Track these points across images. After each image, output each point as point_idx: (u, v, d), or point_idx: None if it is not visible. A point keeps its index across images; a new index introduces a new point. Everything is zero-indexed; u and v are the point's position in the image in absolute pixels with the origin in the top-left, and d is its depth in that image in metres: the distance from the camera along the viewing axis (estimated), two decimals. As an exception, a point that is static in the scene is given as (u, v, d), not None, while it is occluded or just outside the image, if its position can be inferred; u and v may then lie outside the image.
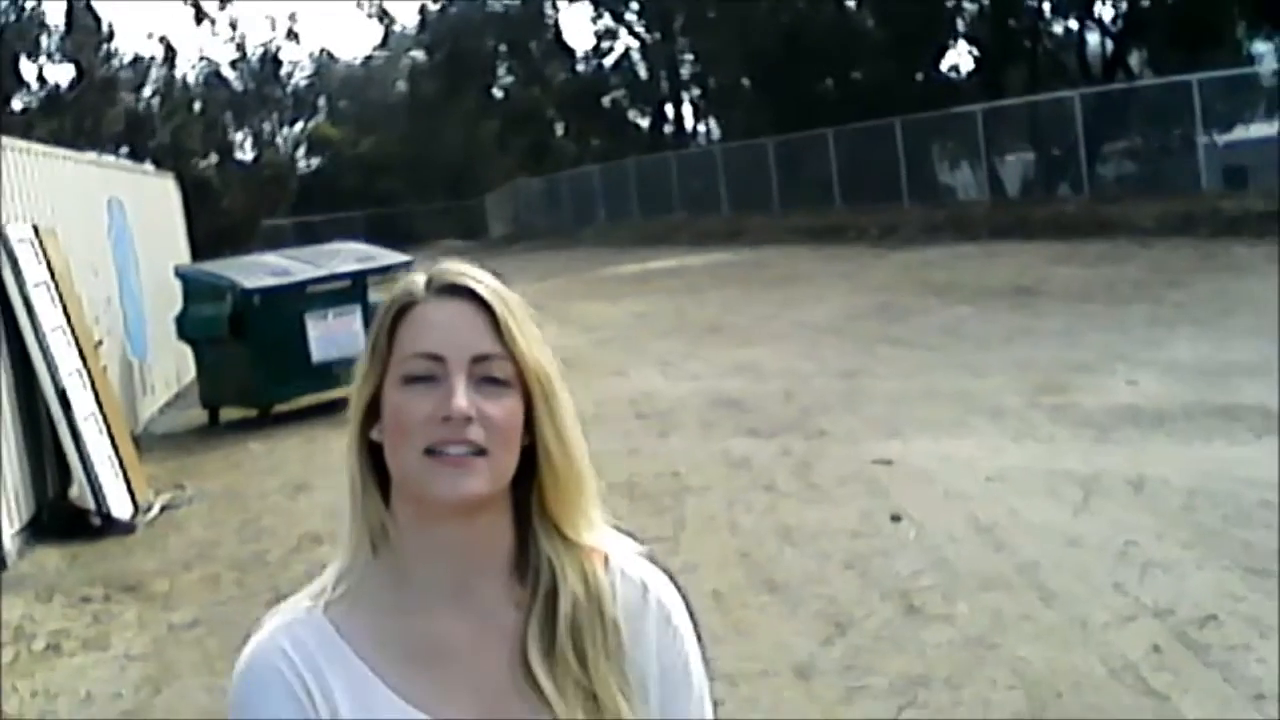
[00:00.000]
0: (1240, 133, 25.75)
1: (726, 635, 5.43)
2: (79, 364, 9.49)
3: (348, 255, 13.67)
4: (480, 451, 1.39)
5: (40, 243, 9.59)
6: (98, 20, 36.50)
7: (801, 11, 31.34)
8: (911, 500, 7.20)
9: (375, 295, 13.17)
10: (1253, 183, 22.66)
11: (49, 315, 9.27)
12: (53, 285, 9.55)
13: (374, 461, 1.45)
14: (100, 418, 9.55)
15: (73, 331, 9.61)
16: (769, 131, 31.94)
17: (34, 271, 9.24)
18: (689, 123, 43.70)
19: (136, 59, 39.71)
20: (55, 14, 39.67)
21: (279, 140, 51.43)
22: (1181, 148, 23.08)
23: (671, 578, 1.52)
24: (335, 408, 12.67)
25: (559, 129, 46.33)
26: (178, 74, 41.29)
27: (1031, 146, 28.69)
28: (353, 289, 12.96)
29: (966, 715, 4.57)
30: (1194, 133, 22.11)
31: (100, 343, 10.82)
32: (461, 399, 1.38)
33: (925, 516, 6.87)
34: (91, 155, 15.73)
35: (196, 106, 40.74)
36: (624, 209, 37.97)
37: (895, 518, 6.90)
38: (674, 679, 1.48)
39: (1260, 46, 28.14)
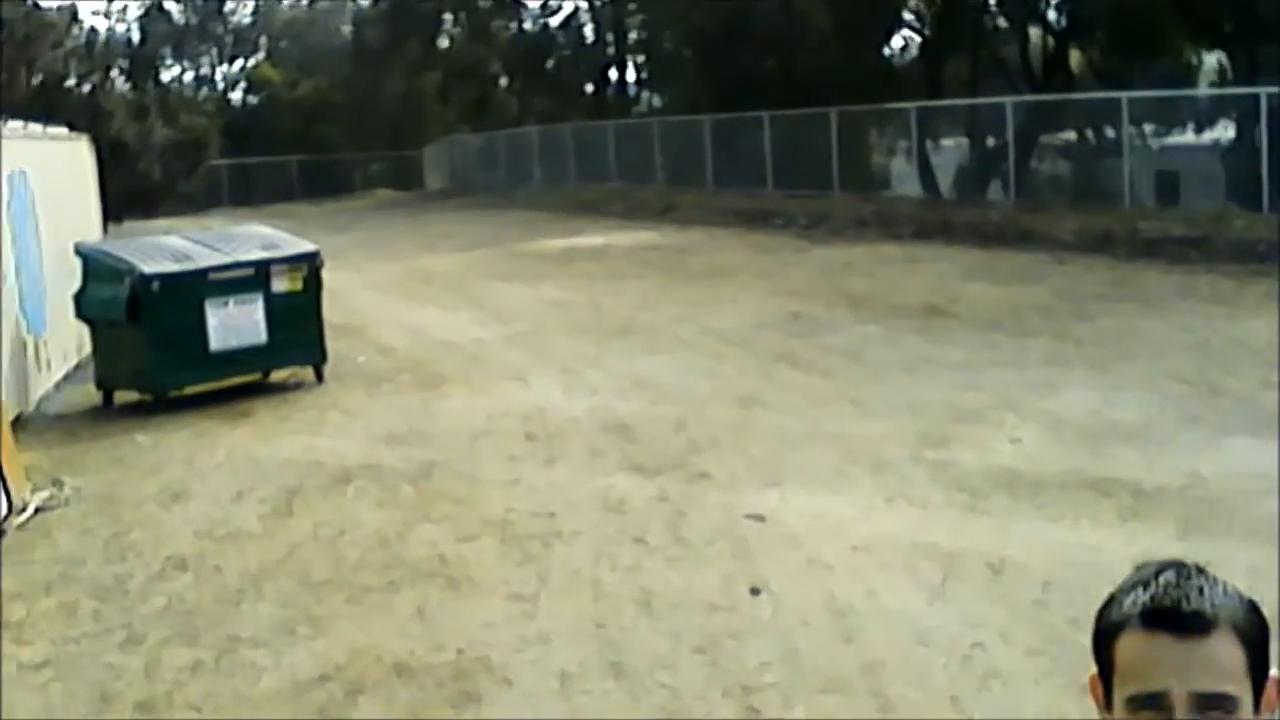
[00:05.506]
0: (1178, 137, 25.98)
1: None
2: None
3: (253, 241, 13.48)
4: None
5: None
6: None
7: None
8: (775, 568, 7.21)
9: (279, 284, 13.05)
10: (1184, 193, 22.91)
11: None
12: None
13: None
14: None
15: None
16: (708, 108, 31.81)
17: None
18: (632, 90, 43.42)
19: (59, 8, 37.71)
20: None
21: (218, 77, 50.72)
22: (1111, 156, 23.20)
23: None
24: (230, 395, 12.57)
25: (502, 85, 45.88)
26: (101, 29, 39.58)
27: (968, 139, 28.76)
28: (255, 277, 12.81)
29: None
30: (1121, 146, 22.22)
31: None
32: None
33: (785, 591, 6.88)
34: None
35: (116, 69, 39.16)
36: (560, 173, 37.73)
37: (755, 591, 6.91)
38: None
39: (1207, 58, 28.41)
